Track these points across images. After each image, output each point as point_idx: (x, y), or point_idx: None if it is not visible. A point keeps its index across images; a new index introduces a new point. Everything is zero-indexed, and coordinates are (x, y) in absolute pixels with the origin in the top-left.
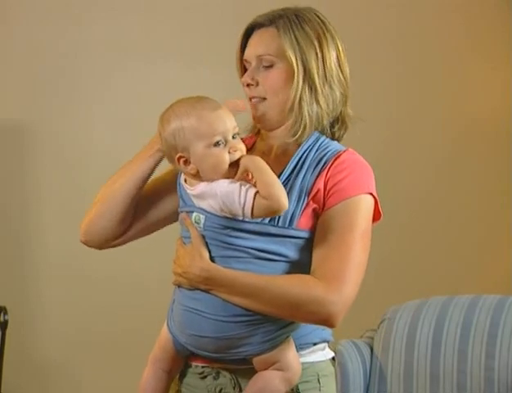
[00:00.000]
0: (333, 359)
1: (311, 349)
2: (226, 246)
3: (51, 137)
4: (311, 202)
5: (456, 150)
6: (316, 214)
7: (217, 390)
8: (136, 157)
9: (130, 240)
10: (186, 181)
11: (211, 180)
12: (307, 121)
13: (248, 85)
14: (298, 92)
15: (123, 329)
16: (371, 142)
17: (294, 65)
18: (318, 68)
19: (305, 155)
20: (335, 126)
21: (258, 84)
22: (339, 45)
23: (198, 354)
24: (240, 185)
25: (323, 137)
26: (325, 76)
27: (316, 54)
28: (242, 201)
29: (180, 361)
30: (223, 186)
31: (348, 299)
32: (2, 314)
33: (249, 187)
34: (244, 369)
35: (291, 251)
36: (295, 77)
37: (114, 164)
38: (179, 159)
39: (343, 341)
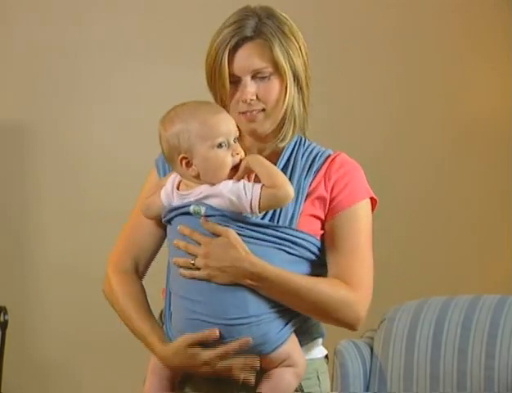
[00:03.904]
0: (326, 356)
1: (310, 344)
2: None
3: (51, 137)
4: (310, 204)
5: (456, 150)
6: (318, 220)
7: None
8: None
9: None
10: (178, 188)
11: (211, 182)
12: (298, 126)
13: (247, 100)
14: (291, 100)
15: (123, 329)
16: (371, 142)
17: (287, 74)
18: (303, 72)
19: (293, 156)
20: None
21: (257, 98)
22: (303, 41)
23: None
24: (245, 183)
25: (303, 138)
26: (306, 78)
27: (299, 57)
28: (249, 197)
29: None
30: (228, 185)
31: (368, 302)
32: (2, 314)
33: (253, 183)
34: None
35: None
36: (289, 86)
37: (114, 164)
38: (181, 160)
39: (343, 341)
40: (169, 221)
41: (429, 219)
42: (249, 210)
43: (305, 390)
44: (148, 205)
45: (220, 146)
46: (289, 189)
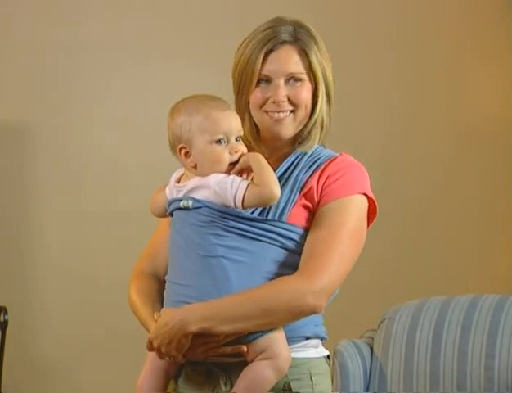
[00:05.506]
0: (328, 357)
1: (303, 343)
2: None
3: (51, 137)
4: (303, 198)
5: (456, 150)
6: (309, 212)
7: (210, 386)
8: None
9: None
10: (179, 182)
11: (206, 175)
12: (323, 134)
13: (279, 102)
14: (323, 107)
15: (123, 329)
16: (371, 142)
17: (321, 83)
18: (332, 83)
19: (299, 158)
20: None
21: (288, 100)
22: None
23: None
24: (234, 177)
25: (316, 145)
26: (333, 90)
27: (330, 70)
28: (234, 191)
29: None
30: (218, 177)
31: (327, 285)
32: (2, 314)
33: (242, 179)
34: (235, 364)
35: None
36: (320, 94)
37: (114, 164)
38: (181, 149)
39: (343, 341)
40: (171, 214)
41: (429, 219)
42: (232, 204)
43: (293, 391)
44: (153, 202)
45: (219, 142)
46: (275, 189)
